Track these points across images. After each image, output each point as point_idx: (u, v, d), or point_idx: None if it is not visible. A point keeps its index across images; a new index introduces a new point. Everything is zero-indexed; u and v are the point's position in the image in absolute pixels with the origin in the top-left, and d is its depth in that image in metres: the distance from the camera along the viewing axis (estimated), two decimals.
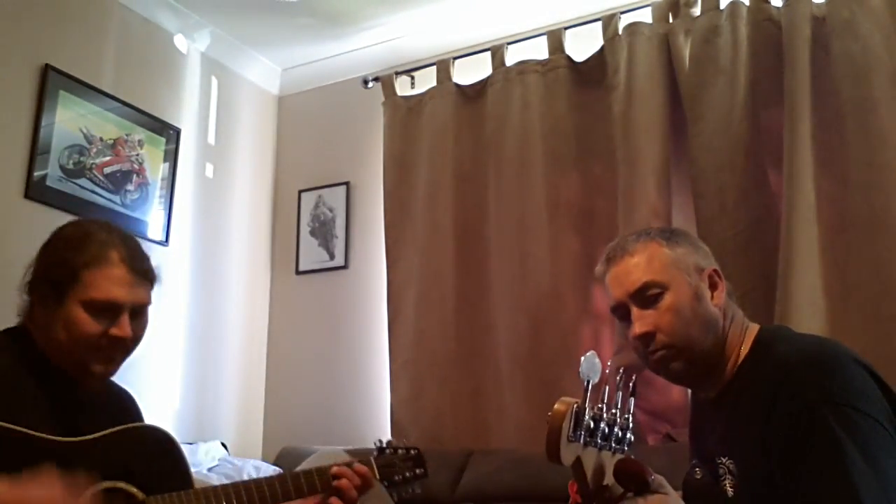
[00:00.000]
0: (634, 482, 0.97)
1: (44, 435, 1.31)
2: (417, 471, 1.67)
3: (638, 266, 1.30)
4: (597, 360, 0.95)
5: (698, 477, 1.32)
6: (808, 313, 2.28)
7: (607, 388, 0.96)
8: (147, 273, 1.47)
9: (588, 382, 0.93)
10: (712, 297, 1.30)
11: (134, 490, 1.36)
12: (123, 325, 1.41)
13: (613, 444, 0.97)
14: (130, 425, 1.49)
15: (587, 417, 0.92)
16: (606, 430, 0.96)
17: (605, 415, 0.96)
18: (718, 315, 1.29)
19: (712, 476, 1.28)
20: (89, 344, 1.40)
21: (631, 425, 1.00)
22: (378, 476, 1.59)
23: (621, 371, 1.03)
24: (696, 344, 1.27)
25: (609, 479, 0.97)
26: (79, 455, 1.34)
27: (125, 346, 1.44)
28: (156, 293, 1.52)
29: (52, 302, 1.42)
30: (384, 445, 1.68)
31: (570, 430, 0.90)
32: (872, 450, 1.06)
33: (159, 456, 1.47)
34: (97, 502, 1.31)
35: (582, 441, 0.91)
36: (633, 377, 1.06)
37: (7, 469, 1.19)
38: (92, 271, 1.41)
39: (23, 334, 1.46)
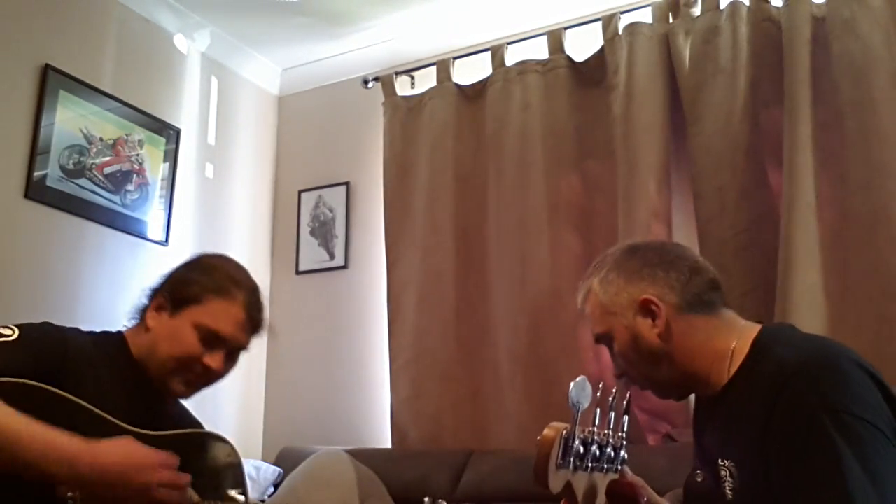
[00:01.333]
0: None
1: (118, 421, 1.36)
2: None
3: (589, 317, 1.37)
4: (588, 385, 0.93)
5: (699, 480, 1.31)
6: (808, 313, 2.28)
7: (598, 410, 0.96)
8: (259, 325, 1.56)
9: (577, 409, 0.91)
10: (654, 325, 1.29)
11: (191, 492, 1.38)
12: (218, 359, 1.49)
13: (605, 465, 0.96)
14: (202, 430, 1.58)
15: (577, 443, 0.91)
16: (598, 452, 0.94)
17: (596, 437, 0.94)
18: (660, 344, 1.29)
19: (713, 478, 1.27)
20: (183, 363, 1.48)
21: (624, 444, 0.99)
22: None
23: (615, 391, 1.01)
24: (652, 377, 1.33)
25: (601, 501, 0.96)
26: (150, 446, 1.38)
27: (209, 379, 1.52)
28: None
29: (167, 311, 1.50)
30: None
31: (559, 457, 0.89)
32: (871, 458, 1.05)
33: (221, 466, 1.55)
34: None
35: (571, 467, 0.91)
36: (628, 395, 1.05)
37: None
38: (216, 300, 1.50)
39: (118, 339, 1.54)
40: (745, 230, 2.49)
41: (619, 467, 0.98)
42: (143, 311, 1.53)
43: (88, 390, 1.36)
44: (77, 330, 1.49)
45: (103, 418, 1.34)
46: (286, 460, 2.94)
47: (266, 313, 1.58)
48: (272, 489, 2.79)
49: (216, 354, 1.49)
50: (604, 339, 1.35)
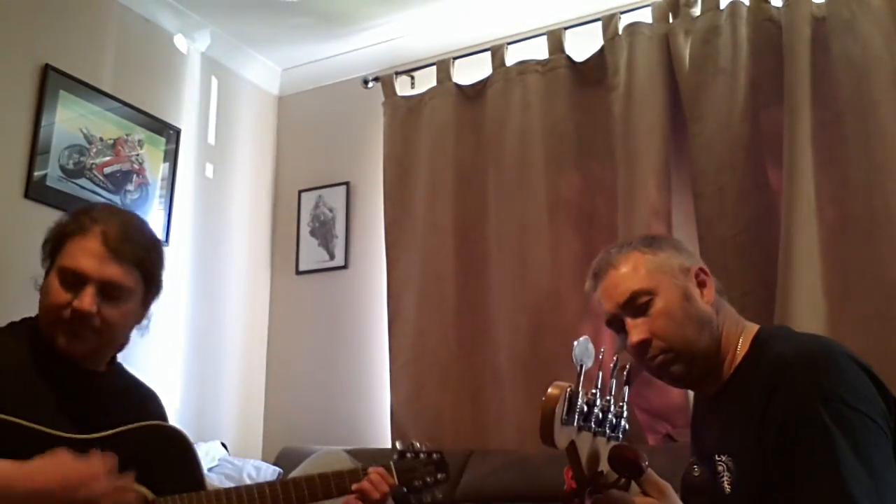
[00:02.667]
0: (629, 468, 0.97)
1: (52, 431, 1.30)
2: (439, 475, 1.63)
3: (624, 277, 1.32)
4: (590, 345, 0.95)
5: (696, 474, 1.33)
6: (808, 313, 2.28)
7: (601, 374, 0.96)
8: (126, 255, 1.42)
9: (581, 367, 0.93)
10: (702, 294, 1.32)
11: (144, 490, 1.35)
12: (84, 297, 1.37)
13: (608, 432, 0.97)
14: (144, 423, 1.46)
15: (581, 401, 0.92)
16: (601, 415, 0.96)
17: (598, 401, 0.95)
18: (711, 312, 1.31)
19: (711, 473, 1.28)
20: (55, 315, 1.38)
21: (626, 414, 1.00)
22: (398, 481, 1.56)
23: (616, 359, 1.03)
24: (692, 344, 1.28)
25: (604, 466, 0.96)
26: (87, 452, 1.32)
27: (91, 325, 1.39)
28: (161, 309, 1.51)
29: (45, 273, 1.44)
30: (405, 448, 1.64)
31: (564, 413, 0.90)
32: (864, 446, 1.06)
33: (172, 456, 1.45)
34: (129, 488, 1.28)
35: (576, 425, 0.91)
36: (628, 367, 1.07)
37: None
38: (71, 240, 1.42)
39: (32, 324, 1.45)
40: (745, 230, 2.49)
41: (621, 436, 0.98)
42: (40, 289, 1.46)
43: (12, 398, 1.29)
44: None
45: (35, 430, 1.28)
46: (286, 460, 2.94)
47: (143, 247, 1.46)
48: None
49: (83, 294, 1.37)
50: (641, 295, 1.29)
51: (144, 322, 1.51)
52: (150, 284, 1.49)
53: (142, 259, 1.45)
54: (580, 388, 0.92)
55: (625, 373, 1.02)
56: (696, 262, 1.36)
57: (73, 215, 1.47)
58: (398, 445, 1.64)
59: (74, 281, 1.39)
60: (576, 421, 0.91)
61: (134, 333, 1.52)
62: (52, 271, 1.42)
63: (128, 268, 1.42)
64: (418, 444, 1.64)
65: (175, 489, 1.39)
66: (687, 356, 1.28)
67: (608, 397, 0.97)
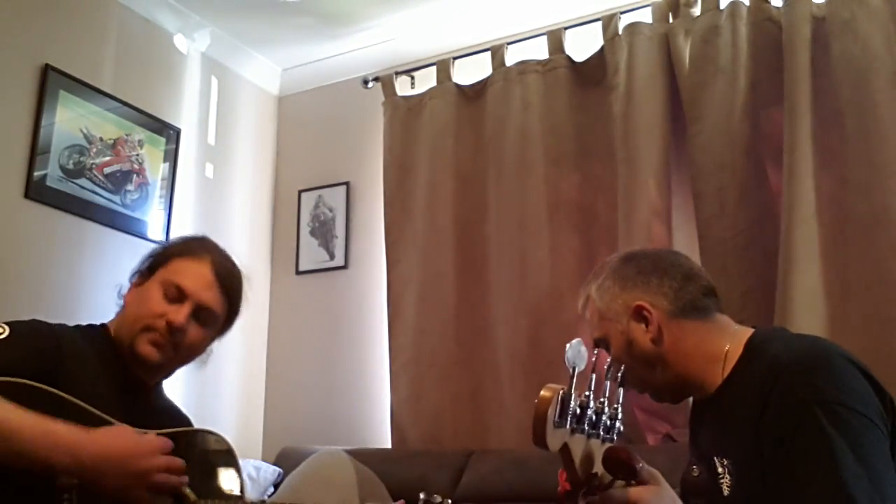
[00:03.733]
0: (623, 470, 0.97)
1: (113, 420, 1.34)
2: None
3: (589, 323, 1.42)
4: (583, 347, 0.96)
5: (696, 475, 1.33)
6: (808, 313, 2.28)
7: (594, 376, 0.96)
8: (228, 288, 1.54)
9: (574, 370, 0.93)
10: (647, 330, 1.32)
11: (187, 491, 1.37)
12: (181, 313, 1.46)
13: (602, 433, 0.97)
14: (196, 428, 1.54)
15: (573, 404, 0.92)
16: (594, 417, 0.96)
17: (592, 403, 0.95)
18: (653, 348, 1.32)
19: (709, 474, 1.29)
20: (147, 322, 1.45)
21: (620, 415, 1.00)
22: None
23: (609, 360, 1.04)
24: (648, 381, 1.34)
25: (598, 468, 0.96)
26: None
27: (175, 340, 1.46)
28: (235, 327, 1.59)
29: (142, 281, 1.52)
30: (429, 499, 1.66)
31: (556, 415, 0.90)
32: (863, 446, 1.06)
33: (217, 463, 1.52)
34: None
35: (569, 427, 0.91)
36: (622, 367, 1.08)
37: None
38: (182, 260, 1.51)
39: (101, 330, 1.52)
40: (745, 230, 2.49)
41: (615, 438, 0.99)
42: (125, 294, 1.54)
43: (82, 387, 1.35)
44: (65, 326, 1.49)
45: (98, 416, 1.33)
46: (286, 460, 2.94)
47: (240, 285, 1.56)
48: (272, 489, 2.79)
49: (180, 309, 1.46)
50: (602, 343, 1.37)
51: (205, 356, 1.59)
52: (230, 320, 1.59)
53: (237, 293, 1.56)
54: (573, 391, 0.92)
55: (619, 374, 1.03)
56: (637, 298, 1.34)
57: (182, 240, 1.61)
58: (422, 496, 1.65)
59: (176, 296, 1.47)
60: (569, 423, 0.91)
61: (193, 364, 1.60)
62: (151, 282, 1.50)
63: (224, 299, 1.53)
64: (439, 499, 1.65)
65: (217, 495, 1.45)
66: (651, 390, 1.36)
67: (602, 399, 0.97)
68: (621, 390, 1.01)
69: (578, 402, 0.93)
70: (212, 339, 1.56)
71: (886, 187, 2.31)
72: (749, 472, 1.19)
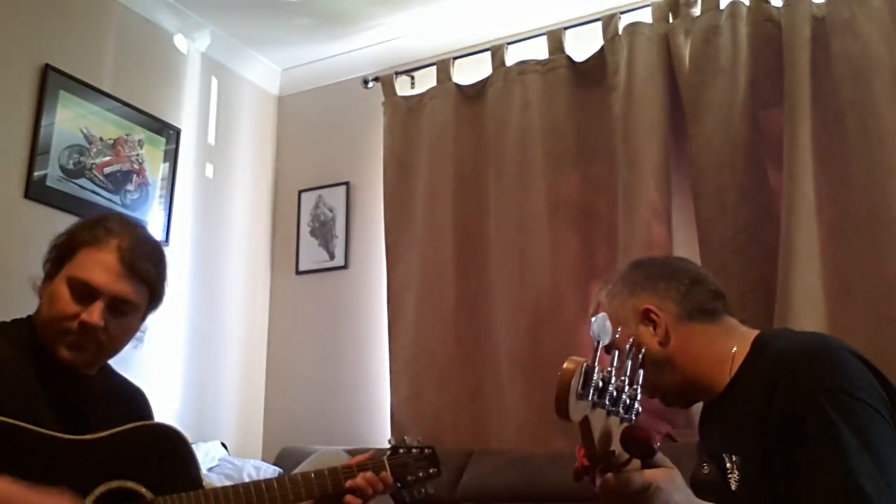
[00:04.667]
0: (640, 448, 0.97)
1: (51, 432, 1.30)
2: (431, 470, 1.65)
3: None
4: (608, 322, 0.95)
5: (706, 472, 1.35)
6: (808, 313, 2.28)
7: (616, 353, 0.96)
8: (140, 272, 1.42)
9: (598, 343, 0.93)
10: (654, 333, 1.34)
11: (143, 490, 1.35)
12: (93, 311, 1.37)
13: (621, 412, 0.97)
14: (140, 423, 1.46)
15: (596, 377, 0.91)
16: (615, 394, 0.95)
17: (613, 379, 0.95)
18: (661, 351, 1.33)
19: (719, 471, 1.30)
20: (60, 325, 1.38)
21: (639, 396, 1.00)
22: (392, 477, 1.58)
23: (631, 340, 1.04)
24: (656, 385, 1.35)
25: (615, 446, 0.96)
26: (86, 453, 1.34)
27: (96, 338, 1.39)
28: (160, 310, 1.51)
29: (50, 277, 1.43)
30: (397, 444, 1.65)
31: (580, 387, 0.89)
32: (868, 434, 1.07)
33: (169, 455, 1.45)
34: None
35: (591, 400, 0.91)
36: (643, 349, 1.08)
37: (13, 468, 1.19)
38: (86, 250, 1.41)
39: (27, 325, 1.45)
40: (745, 230, 2.49)
41: (633, 417, 0.99)
42: (39, 291, 1.46)
43: (16, 401, 1.30)
44: None
45: (36, 433, 1.28)
46: (286, 460, 2.94)
47: (155, 266, 1.46)
48: None
49: (93, 308, 1.36)
50: (610, 348, 1.36)
51: (139, 334, 1.52)
52: (154, 300, 1.50)
53: (153, 276, 1.46)
54: (596, 364, 0.92)
55: (640, 356, 1.02)
56: (645, 301, 1.36)
57: (86, 224, 1.46)
58: (390, 442, 1.66)
59: (85, 293, 1.38)
60: (590, 396, 0.91)
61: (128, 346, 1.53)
62: (59, 278, 1.41)
63: (139, 285, 1.43)
64: (409, 440, 1.66)
65: (174, 488, 1.39)
66: (661, 394, 1.37)
67: (623, 377, 0.97)
68: (641, 372, 1.01)
69: (601, 377, 0.92)
70: (139, 324, 1.48)
71: (886, 187, 2.31)
72: (756, 464, 1.20)
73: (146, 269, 1.44)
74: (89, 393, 1.46)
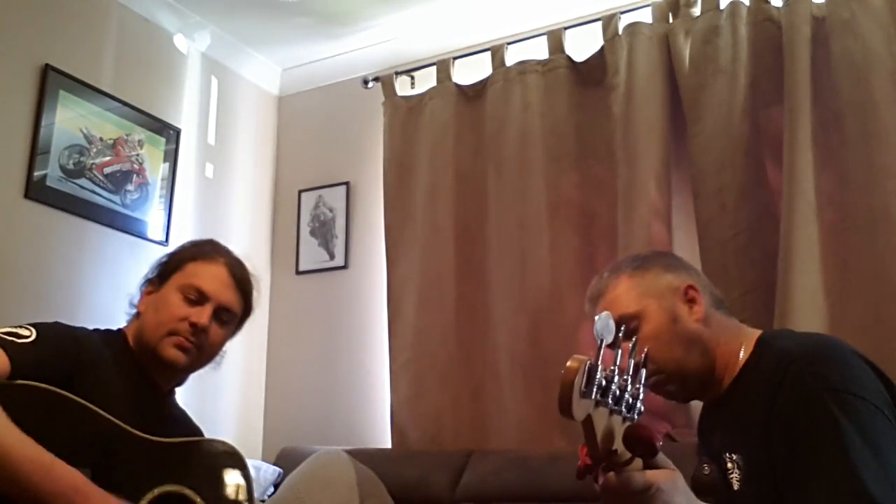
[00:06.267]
0: (643, 447, 0.97)
1: (126, 427, 1.37)
2: None
3: (612, 302, 1.36)
4: (611, 321, 0.94)
5: (707, 473, 1.34)
6: (808, 313, 2.28)
7: (619, 352, 0.96)
8: (245, 285, 1.59)
9: (601, 342, 0.93)
10: (691, 311, 1.34)
11: (198, 499, 1.41)
12: (203, 314, 1.50)
13: (624, 411, 0.96)
14: (209, 438, 1.59)
15: (600, 375, 0.91)
16: (618, 392, 0.95)
17: (616, 378, 0.95)
18: (699, 329, 1.33)
19: (720, 472, 1.30)
20: (170, 326, 1.48)
21: (641, 396, 1.00)
22: None
23: (634, 339, 1.04)
24: (682, 364, 1.32)
25: (618, 445, 0.96)
26: (152, 453, 1.41)
27: (199, 341, 1.50)
28: (245, 328, 1.64)
29: (154, 289, 1.55)
30: None
31: (583, 385, 0.89)
32: (873, 434, 1.08)
33: (226, 471, 1.54)
34: None
35: (594, 398, 0.91)
36: (646, 349, 1.08)
37: (88, 454, 1.28)
38: (196, 263, 1.55)
39: (119, 335, 1.55)
40: (745, 230, 2.48)
41: (635, 417, 0.99)
42: (137, 305, 1.57)
43: (100, 392, 1.37)
44: (86, 329, 1.51)
45: (114, 424, 1.35)
46: (286, 460, 2.94)
47: (252, 282, 1.61)
48: (272, 489, 2.79)
49: (202, 310, 1.50)
50: (629, 319, 1.32)
51: (220, 356, 1.63)
52: (244, 319, 1.63)
53: (251, 293, 1.62)
54: (599, 363, 0.92)
55: (643, 356, 1.02)
56: (685, 280, 1.37)
57: (191, 245, 1.63)
58: None
59: (196, 298, 1.51)
60: (594, 394, 0.90)
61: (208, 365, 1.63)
62: (167, 287, 1.53)
63: (241, 299, 1.58)
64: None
65: (226, 503, 1.48)
66: (678, 376, 1.33)
67: (626, 377, 0.97)
68: (644, 371, 1.01)
69: (604, 375, 0.92)
70: (230, 337, 1.61)
71: (886, 187, 2.31)
72: (758, 464, 1.20)
73: (248, 286, 1.60)
74: (166, 411, 1.57)
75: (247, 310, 1.62)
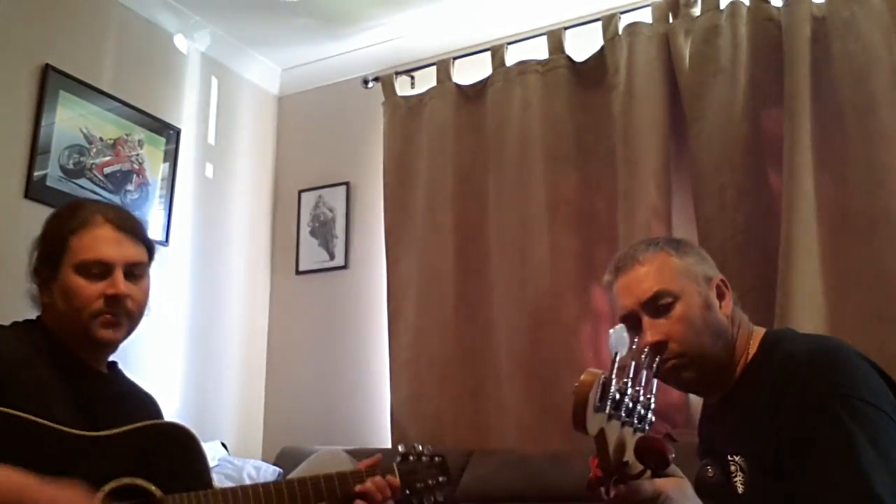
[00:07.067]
0: (655, 459, 0.96)
1: (66, 428, 1.32)
2: (440, 479, 1.63)
3: (649, 275, 1.32)
4: (625, 333, 0.95)
5: (710, 475, 1.33)
6: (808, 313, 2.28)
7: (633, 363, 0.96)
8: (135, 230, 1.49)
9: (616, 355, 0.93)
10: (721, 305, 1.33)
11: (152, 487, 1.36)
12: (117, 281, 1.42)
13: (636, 423, 0.96)
14: (152, 422, 1.49)
15: (613, 389, 0.91)
16: (630, 405, 0.95)
17: (629, 390, 0.95)
18: (727, 323, 1.32)
19: (723, 474, 1.29)
20: (89, 310, 1.41)
21: (653, 406, 1.00)
22: (400, 483, 1.57)
23: (646, 349, 1.03)
24: (707, 352, 1.30)
25: (629, 456, 0.96)
26: (98, 449, 1.35)
27: (126, 308, 1.44)
28: (156, 264, 1.56)
29: (49, 278, 1.45)
30: (407, 451, 1.64)
31: (597, 399, 0.89)
32: (881, 439, 1.07)
33: (180, 454, 1.47)
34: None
35: (607, 412, 0.91)
36: (658, 357, 1.07)
37: (25, 462, 1.21)
38: (78, 235, 1.44)
39: (38, 325, 1.47)
40: (745, 230, 2.48)
41: (646, 428, 0.98)
42: (38, 297, 1.48)
43: (32, 393, 1.32)
44: (1, 327, 1.45)
45: (53, 429, 1.30)
46: (286, 460, 2.94)
47: (140, 223, 1.53)
48: None
49: (112, 280, 1.42)
50: (665, 296, 1.30)
51: (146, 309, 1.55)
52: (151, 254, 1.56)
53: (144, 232, 1.54)
54: (613, 376, 0.91)
55: (655, 364, 1.02)
56: (718, 274, 1.38)
57: (59, 217, 1.49)
58: (400, 448, 1.65)
59: (100, 271, 1.43)
60: (607, 408, 0.90)
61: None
62: (63, 273, 1.43)
63: (139, 244, 1.50)
64: (420, 447, 1.65)
65: (183, 487, 1.40)
66: (699, 363, 1.30)
67: (638, 387, 0.97)
68: (655, 381, 1.01)
69: (618, 388, 0.92)
70: (149, 283, 1.53)
71: (886, 187, 2.31)
72: (764, 467, 1.20)
73: (138, 228, 1.52)
74: (104, 392, 1.48)
75: (150, 250, 1.54)
